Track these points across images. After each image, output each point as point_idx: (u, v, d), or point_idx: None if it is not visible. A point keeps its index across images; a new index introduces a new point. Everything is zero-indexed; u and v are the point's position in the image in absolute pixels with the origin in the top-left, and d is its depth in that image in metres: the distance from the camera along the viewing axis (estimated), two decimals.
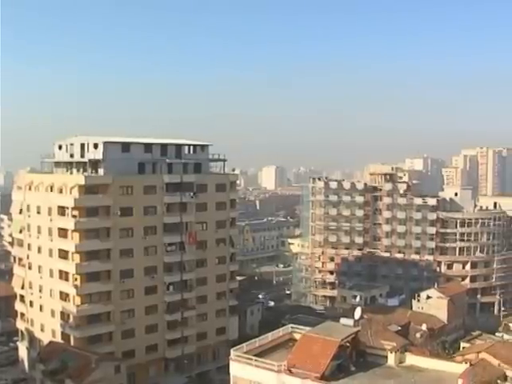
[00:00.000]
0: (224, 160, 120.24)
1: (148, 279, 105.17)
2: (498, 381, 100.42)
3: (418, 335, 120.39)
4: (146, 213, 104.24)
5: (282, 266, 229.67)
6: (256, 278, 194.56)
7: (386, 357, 60.57)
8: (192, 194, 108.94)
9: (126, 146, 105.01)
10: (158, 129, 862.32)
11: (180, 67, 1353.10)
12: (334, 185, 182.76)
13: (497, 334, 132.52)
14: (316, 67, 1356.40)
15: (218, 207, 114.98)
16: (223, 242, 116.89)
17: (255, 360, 57.82)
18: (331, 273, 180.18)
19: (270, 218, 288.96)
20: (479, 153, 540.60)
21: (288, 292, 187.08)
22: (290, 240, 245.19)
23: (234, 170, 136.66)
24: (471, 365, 60.84)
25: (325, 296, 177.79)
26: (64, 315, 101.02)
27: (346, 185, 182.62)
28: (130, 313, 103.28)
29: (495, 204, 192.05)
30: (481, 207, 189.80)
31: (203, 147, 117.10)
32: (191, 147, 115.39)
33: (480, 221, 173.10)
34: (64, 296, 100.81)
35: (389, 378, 55.87)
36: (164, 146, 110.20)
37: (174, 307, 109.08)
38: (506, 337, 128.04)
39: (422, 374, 57.08)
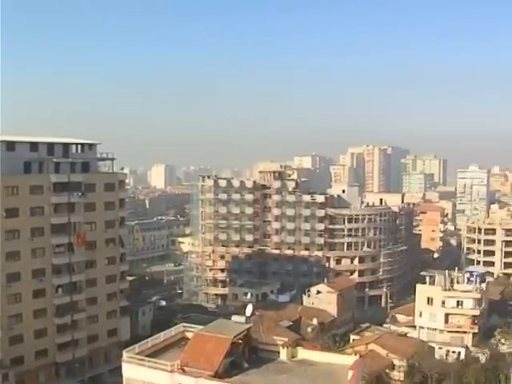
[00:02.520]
0: (112, 159, 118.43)
1: (36, 282, 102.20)
2: (387, 370, 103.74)
3: (309, 330, 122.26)
4: (32, 214, 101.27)
5: (172, 265, 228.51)
6: (147, 277, 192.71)
7: (279, 352, 60.97)
8: (80, 193, 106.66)
9: (10, 145, 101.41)
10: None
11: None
12: (223, 183, 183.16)
13: (384, 325, 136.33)
14: (201, 65, 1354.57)
15: (106, 207, 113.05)
16: (113, 242, 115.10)
17: (148, 361, 57.09)
18: (222, 271, 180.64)
19: (159, 217, 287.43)
20: (365, 151, 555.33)
21: (179, 291, 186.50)
22: (180, 239, 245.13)
23: (122, 168, 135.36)
24: (361, 356, 62.16)
25: (216, 294, 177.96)
26: None
27: (236, 183, 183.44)
28: (17, 317, 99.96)
29: (381, 200, 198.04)
30: (367, 203, 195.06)
31: (91, 146, 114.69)
32: (79, 146, 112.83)
33: (367, 217, 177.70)
34: None
35: (281, 373, 56.33)
36: (51, 145, 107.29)
37: (64, 310, 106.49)
38: (393, 328, 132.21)
39: (313, 367, 57.81)
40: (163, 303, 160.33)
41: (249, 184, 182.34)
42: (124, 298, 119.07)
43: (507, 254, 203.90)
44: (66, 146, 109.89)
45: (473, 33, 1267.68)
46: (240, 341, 59.43)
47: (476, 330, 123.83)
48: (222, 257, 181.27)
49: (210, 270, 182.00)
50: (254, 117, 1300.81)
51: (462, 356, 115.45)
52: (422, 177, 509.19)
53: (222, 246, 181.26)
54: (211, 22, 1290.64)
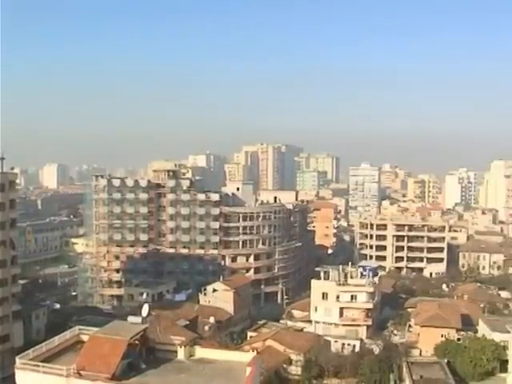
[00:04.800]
0: (2, 158, 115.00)
1: None
2: (284, 365, 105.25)
3: (206, 328, 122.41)
4: None
5: (66, 266, 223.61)
6: (40, 280, 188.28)
7: (176, 351, 60.96)
8: None
9: None
10: None
11: None
12: (117, 182, 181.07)
13: (281, 321, 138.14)
14: (97, 65, 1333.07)
15: None
16: (3, 245, 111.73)
17: (43, 366, 55.87)
18: (117, 271, 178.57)
19: (52, 218, 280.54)
20: (260, 149, 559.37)
21: (74, 293, 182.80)
22: (74, 240, 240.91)
23: (12, 168, 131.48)
24: (258, 353, 62.77)
25: (112, 295, 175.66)
26: None
27: (130, 182, 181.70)
28: None
29: (275, 198, 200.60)
30: (262, 201, 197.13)
31: None
32: None
33: (261, 214, 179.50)
34: None
35: (180, 372, 56.37)
36: None
37: None
38: (289, 323, 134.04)
39: (212, 365, 58.13)
40: (57, 306, 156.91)
41: (143, 183, 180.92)
42: (16, 302, 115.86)
43: (398, 249, 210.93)
44: None
45: (367, 33, 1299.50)
46: (137, 342, 59.10)
47: (370, 323, 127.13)
48: (117, 257, 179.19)
49: (105, 270, 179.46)
50: (149, 116, 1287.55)
51: (357, 348, 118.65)
52: (315, 174, 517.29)
53: (117, 246, 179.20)
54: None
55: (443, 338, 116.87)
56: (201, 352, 61.78)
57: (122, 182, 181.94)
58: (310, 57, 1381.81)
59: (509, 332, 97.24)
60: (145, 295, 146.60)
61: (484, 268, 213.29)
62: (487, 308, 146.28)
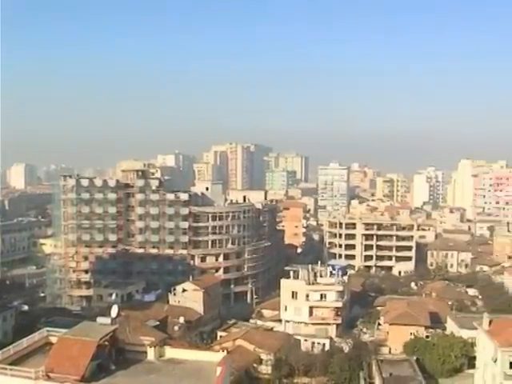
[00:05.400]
0: None
1: None
2: (254, 364, 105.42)
3: (176, 328, 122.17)
4: None
5: (34, 267, 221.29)
6: (7, 281, 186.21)
7: (146, 352, 60.63)
8: None
9: None
10: None
11: None
12: (85, 182, 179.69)
13: (251, 320, 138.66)
14: (65, 65, 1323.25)
15: None
16: None
17: (10, 369, 55.13)
18: (86, 272, 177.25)
19: (20, 219, 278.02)
20: (229, 149, 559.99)
21: (43, 294, 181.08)
22: (42, 240, 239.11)
23: None
24: (228, 352, 62.78)
25: (81, 296, 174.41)
26: None
27: (98, 182, 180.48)
28: None
29: (244, 197, 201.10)
30: (231, 201, 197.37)
31: None
32: None
33: (231, 214, 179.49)
34: None
35: (150, 373, 56.05)
36: None
37: None
38: (259, 323, 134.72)
39: (182, 365, 57.91)
40: (25, 308, 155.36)
41: (112, 183, 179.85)
42: None
43: (367, 248, 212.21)
44: None
45: (338, 33, 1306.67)
46: (106, 343, 58.69)
47: (339, 321, 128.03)
48: (86, 258, 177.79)
49: (74, 271, 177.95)
50: (118, 116, 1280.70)
51: (327, 347, 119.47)
52: (284, 174, 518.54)
53: (86, 246, 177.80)
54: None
55: (412, 336, 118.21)
56: (171, 352, 61.53)
57: (90, 181, 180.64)
58: (280, 56, 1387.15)
59: (476, 329, 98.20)
60: (114, 296, 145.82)
61: (452, 266, 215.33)
62: (455, 305, 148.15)
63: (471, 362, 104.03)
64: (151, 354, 60.16)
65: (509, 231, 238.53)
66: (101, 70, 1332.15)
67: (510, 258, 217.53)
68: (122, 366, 57.73)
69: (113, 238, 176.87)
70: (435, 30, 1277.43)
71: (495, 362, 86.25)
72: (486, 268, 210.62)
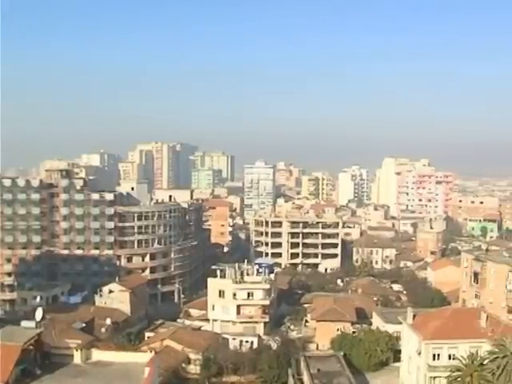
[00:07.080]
0: None
1: None
2: (183, 364, 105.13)
3: (103, 330, 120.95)
4: None
5: None
6: None
7: (72, 355, 59.65)
8: None
9: None
10: None
11: None
12: (7, 182, 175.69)
13: (178, 320, 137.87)
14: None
15: None
16: None
17: None
18: (9, 275, 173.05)
19: None
20: (155, 148, 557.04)
21: None
22: None
23: None
24: (156, 353, 62.21)
25: (4, 300, 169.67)
26: None
27: (21, 182, 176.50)
28: None
29: (170, 197, 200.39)
30: (157, 200, 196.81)
31: None
32: None
33: (156, 213, 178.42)
34: None
35: (76, 377, 55.10)
36: None
37: None
38: (186, 322, 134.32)
39: (109, 368, 57.13)
40: None
41: (35, 183, 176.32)
42: None
43: (293, 245, 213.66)
44: None
45: (263, 33, 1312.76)
46: (31, 347, 57.45)
47: (267, 319, 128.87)
48: (9, 260, 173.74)
49: None
50: (42, 115, 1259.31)
51: (255, 345, 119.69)
52: (210, 173, 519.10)
53: (8, 248, 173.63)
54: None
55: (339, 332, 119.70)
56: (98, 355, 60.67)
57: (12, 181, 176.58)
58: (206, 56, 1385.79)
59: (401, 323, 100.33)
60: (38, 298, 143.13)
61: (377, 262, 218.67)
62: (380, 301, 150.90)
63: (396, 356, 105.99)
64: (78, 357, 59.16)
65: (431, 228, 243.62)
66: (22, 69, 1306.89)
67: (432, 253, 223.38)
68: (48, 371, 56.56)
69: (37, 239, 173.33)
70: (361, 30, 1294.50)
71: (419, 354, 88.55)
72: (409, 264, 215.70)
